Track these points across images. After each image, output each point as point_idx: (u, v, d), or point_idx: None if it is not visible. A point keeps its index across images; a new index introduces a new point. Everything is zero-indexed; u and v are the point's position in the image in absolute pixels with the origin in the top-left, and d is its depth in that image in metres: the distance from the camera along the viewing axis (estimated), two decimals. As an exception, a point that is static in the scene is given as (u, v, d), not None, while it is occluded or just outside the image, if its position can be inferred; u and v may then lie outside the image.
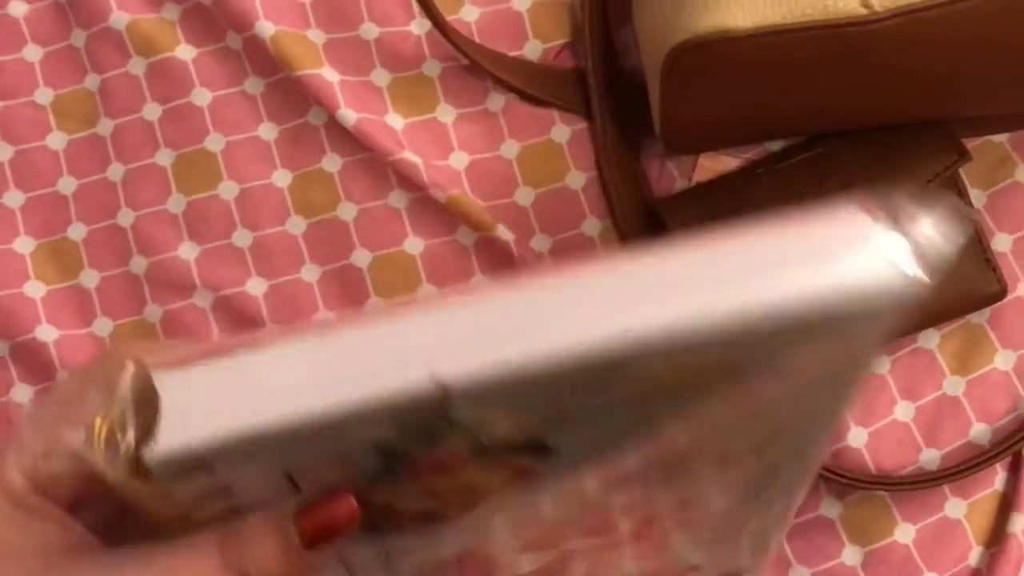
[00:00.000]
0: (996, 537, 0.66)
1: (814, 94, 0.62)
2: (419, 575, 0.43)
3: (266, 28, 0.71)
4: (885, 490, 0.66)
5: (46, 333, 0.70)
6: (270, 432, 0.32)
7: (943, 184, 0.67)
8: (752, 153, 0.71)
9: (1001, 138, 0.71)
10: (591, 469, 0.39)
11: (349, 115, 0.69)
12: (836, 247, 0.33)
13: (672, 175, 0.71)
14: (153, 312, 0.71)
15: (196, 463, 0.33)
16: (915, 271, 0.32)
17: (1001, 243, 0.69)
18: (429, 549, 0.42)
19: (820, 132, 0.69)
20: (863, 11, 0.54)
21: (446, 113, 0.73)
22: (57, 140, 0.73)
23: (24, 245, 0.72)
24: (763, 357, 0.34)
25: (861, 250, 0.32)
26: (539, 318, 0.33)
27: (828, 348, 0.34)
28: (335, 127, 0.71)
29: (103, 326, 0.71)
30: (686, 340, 0.32)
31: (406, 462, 0.36)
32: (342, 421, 0.32)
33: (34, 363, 0.71)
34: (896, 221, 0.33)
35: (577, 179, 0.71)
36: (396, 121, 0.72)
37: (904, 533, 0.66)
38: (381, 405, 0.32)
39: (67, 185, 0.73)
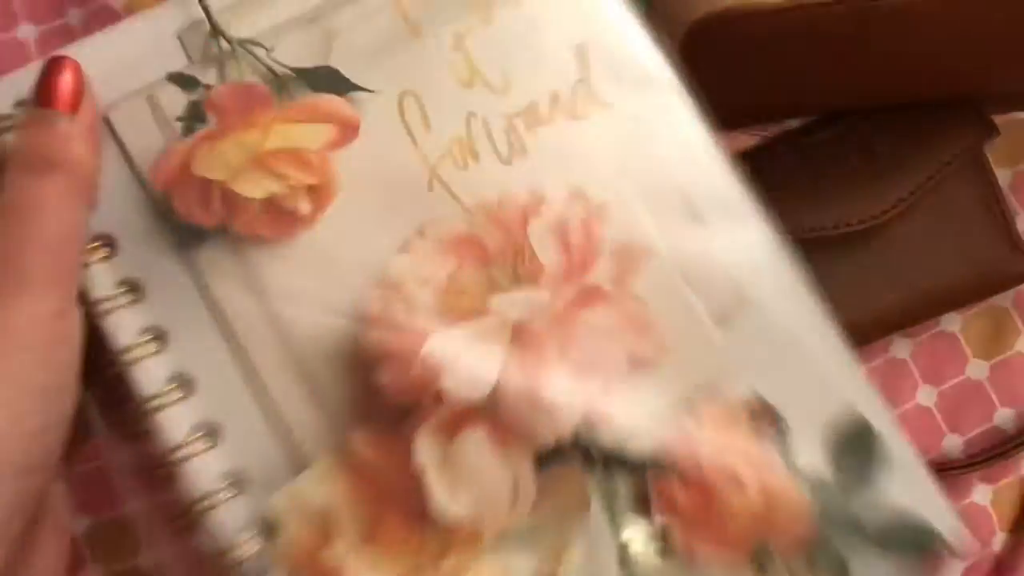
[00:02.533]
0: (1020, 523, 0.65)
1: (838, 69, 0.60)
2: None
3: None
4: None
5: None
6: None
7: (968, 161, 0.65)
8: (769, 131, 0.69)
9: (1026, 115, 0.69)
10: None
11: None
12: None
13: (688, 155, 0.69)
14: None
15: None
16: None
17: (1026, 223, 0.68)
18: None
19: (843, 109, 0.67)
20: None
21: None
22: (53, 120, 0.71)
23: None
24: None
25: None
26: None
27: None
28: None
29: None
30: None
31: (208, 95, 0.44)
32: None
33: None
34: None
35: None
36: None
37: (931, 519, 0.64)
38: (156, 16, 0.45)
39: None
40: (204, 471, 0.43)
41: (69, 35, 0.72)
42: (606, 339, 0.44)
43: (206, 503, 0.42)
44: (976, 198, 0.65)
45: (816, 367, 0.45)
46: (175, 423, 0.43)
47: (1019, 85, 0.65)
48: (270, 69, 0.45)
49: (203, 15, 0.45)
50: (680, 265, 0.45)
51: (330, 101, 0.45)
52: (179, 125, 0.44)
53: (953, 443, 0.66)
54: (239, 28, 0.45)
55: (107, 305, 0.43)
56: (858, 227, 0.62)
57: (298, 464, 0.43)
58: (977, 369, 0.67)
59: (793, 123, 0.69)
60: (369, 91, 0.45)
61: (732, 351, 0.44)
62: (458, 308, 0.43)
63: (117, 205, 0.44)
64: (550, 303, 0.43)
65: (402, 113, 0.45)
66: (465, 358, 0.42)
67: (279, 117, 0.44)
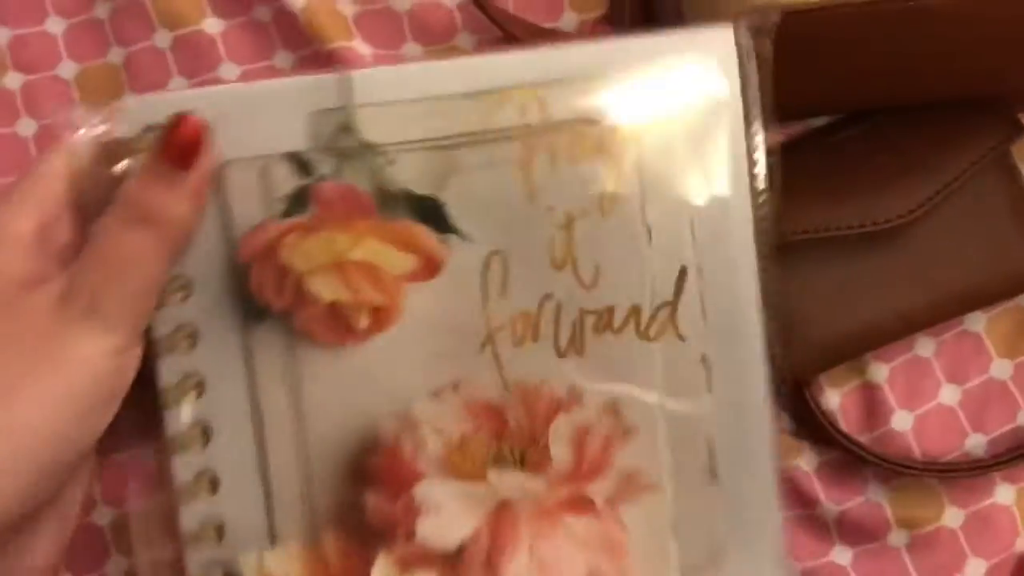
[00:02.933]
0: (1043, 524, 0.66)
1: (865, 69, 0.59)
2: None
3: (296, -1, 0.69)
4: (934, 477, 0.65)
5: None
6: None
7: (995, 160, 0.64)
8: (793, 129, 0.68)
9: (1051, 112, 0.68)
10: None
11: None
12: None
13: (714, 151, 0.69)
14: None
15: None
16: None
17: (1053, 221, 0.67)
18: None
19: (872, 107, 0.66)
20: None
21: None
22: (82, 116, 0.71)
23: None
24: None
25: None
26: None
27: None
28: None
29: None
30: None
31: (316, 185, 0.45)
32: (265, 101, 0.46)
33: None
34: None
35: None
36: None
37: (952, 518, 0.65)
38: (294, 88, 0.46)
39: (95, 161, 0.71)
40: (193, 514, 0.46)
41: (97, 29, 0.72)
42: (577, 548, 0.46)
43: (187, 540, 0.46)
44: (1003, 197, 0.65)
45: None
46: (185, 465, 0.46)
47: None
48: (383, 182, 0.46)
49: (342, 105, 0.46)
50: (676, 514, 0.47)
51: (424, 234, 0.46)
52: (281, 205, 0.46)
53: (976, 442, 0.66)
54: (370, 130, 0.46)
55: (165, 345, 0.46)
56: (884, 226, 0.62)
57: (273, 538, 0.46)
58: (1001, 368, 0.67)
59: (818, 121, 0.68)
60: (464, 238, 0.46)
61: None
62: (459, 467, 0.46)
63: (203, 256, 0.46)
64: (542, 496, 0.46)
65: (486, 271, 0.46)
66: (446, 511, 0.45)
67: (374, 230, 0.46)
